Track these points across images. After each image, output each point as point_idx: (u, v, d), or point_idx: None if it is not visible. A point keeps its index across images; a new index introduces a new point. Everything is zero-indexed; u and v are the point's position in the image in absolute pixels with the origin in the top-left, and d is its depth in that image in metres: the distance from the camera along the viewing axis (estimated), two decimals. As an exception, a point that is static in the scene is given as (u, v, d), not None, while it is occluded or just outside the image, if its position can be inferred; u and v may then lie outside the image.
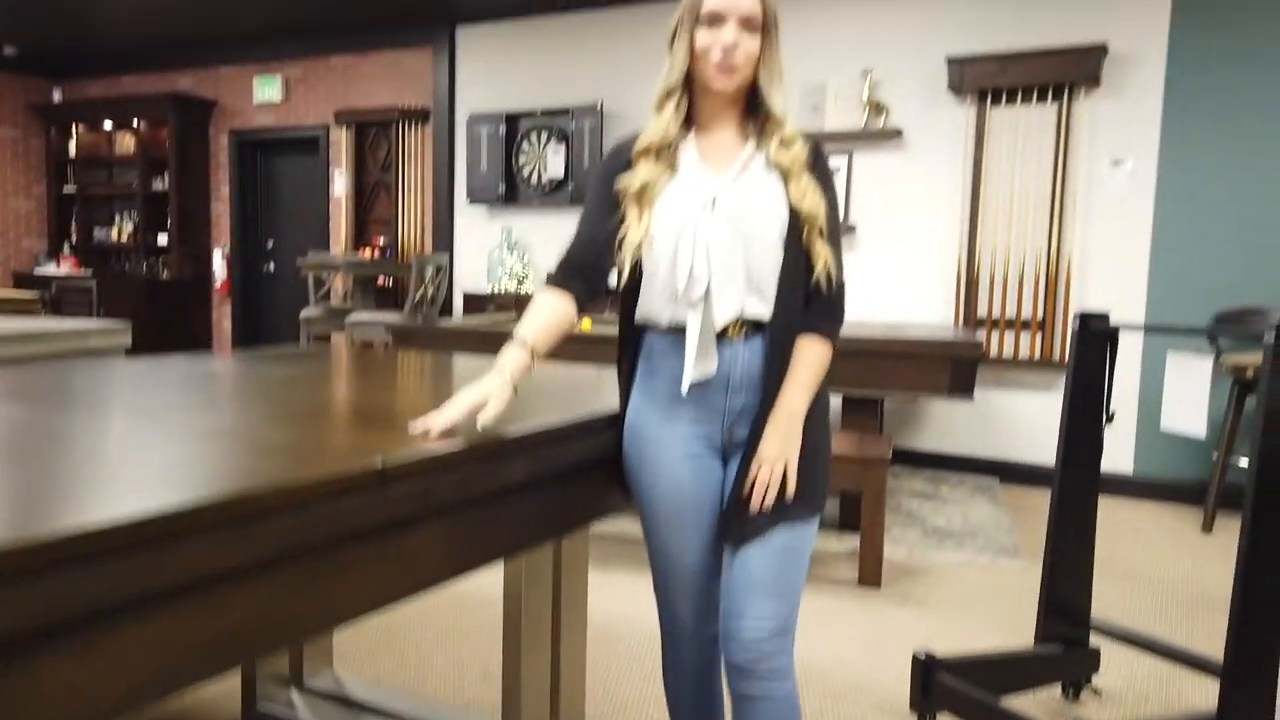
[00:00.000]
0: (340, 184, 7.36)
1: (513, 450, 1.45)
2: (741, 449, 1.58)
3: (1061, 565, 2.42)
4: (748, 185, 1.57)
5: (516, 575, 2.03)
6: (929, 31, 5.16)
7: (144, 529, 0.94)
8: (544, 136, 6.36)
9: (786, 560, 1.56)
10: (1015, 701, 2.23)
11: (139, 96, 8.06)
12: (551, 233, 6.45)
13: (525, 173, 6.46)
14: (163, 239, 8.08)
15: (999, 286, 5.07)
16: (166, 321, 7.79)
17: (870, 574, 3.37)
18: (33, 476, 1.15)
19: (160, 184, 8.03)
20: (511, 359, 1.51)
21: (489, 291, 6.46)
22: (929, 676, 2.19)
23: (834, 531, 3.98)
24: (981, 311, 5.11)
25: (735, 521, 1.57)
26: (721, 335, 1.56)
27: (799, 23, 5.41)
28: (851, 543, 3.78)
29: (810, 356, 1.56)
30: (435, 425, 1.38)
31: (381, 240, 7.20)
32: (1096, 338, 2.31)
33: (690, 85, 1.60)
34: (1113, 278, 4.84)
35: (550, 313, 1.59)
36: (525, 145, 6.44)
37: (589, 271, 1.62)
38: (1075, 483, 2.38)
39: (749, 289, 1.55)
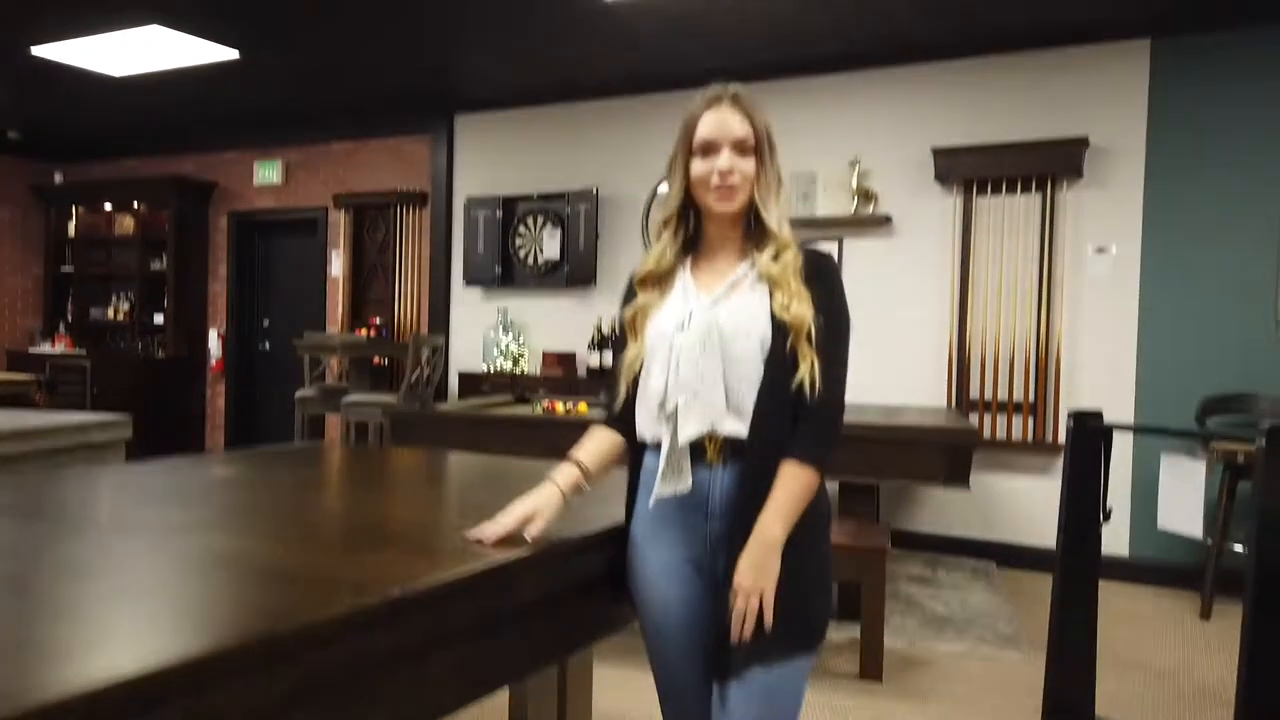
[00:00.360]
0: (337, 265, 7.44)
1: (524, 569, 1.47)
2: (724, 577, 1.53)
3: (1064, 665, 2.42)
4: (732, 303, 1.58)
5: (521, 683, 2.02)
6: (915, 123, 5.32)
7: (166, 679, 0.94)
8: (540, 220, 6.47)
9: (769, 702, 1.50)
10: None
11: (140, 179, 8.19)
12: (548, 313, 6.52)
13: (522, 255, 6.56)
14: (159, 318, 8.13)
15: (990, 369, 5.13)
16: (161, 399, 7.78)
17: (871, 667, 3.35)
18: (37, 616, 1.15)
19: (158, 264, 8.11)
20: (563, 472, 1.61)
21: (484, 371, 6.50)
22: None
23: (832, 620, 3.96)
24: (974, 394, 5.17)
25: (714, 656, 1.53)
26: (702, 457, 1.55)
27: (790, 112, 5.58)
28: (851, 632, 3.75)
29: (789, 481, 1.49)
30: (489, 534, 1.48)
31: (378, 320, 7.25)
32: (1091, 436, 2.35)
33: (694, 210, 1.65)
34: (1101, 361, 4.92)
35: (598, 440, 1.69)
36: (522, 229, 6.55)
37: (623, 411, 1.67)
38: (1075, 582, 2.40)
39: (728, 407, 1.53)
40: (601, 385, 5.79)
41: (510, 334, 6.52)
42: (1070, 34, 4.88)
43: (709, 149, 1.58)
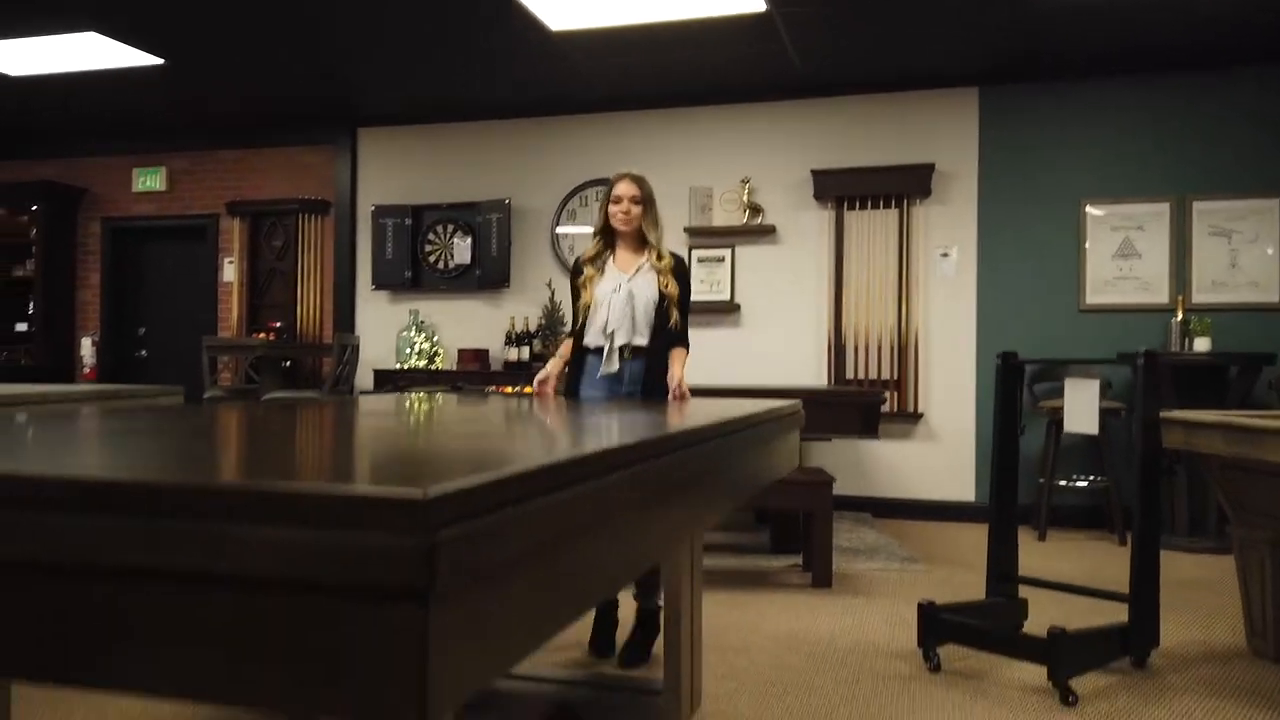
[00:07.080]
0: (230, 271, 7.52)
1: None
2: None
3: (1000, 544, 3.33)
4: (639, 280, 3.17)
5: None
6: (797, 148, 6.32)
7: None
8: (450, 228, 6.95)
9: None
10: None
11: (-1, 182, 7.85)
12: (459, 314, 6.99)
13: (432, 260, 6.99)
14: (20, 326, 7.81)
15: (861, 353, 6.17)
16: (31, 411, 7.48)
17: (823, 577, 4.19)
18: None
19: (20, 271, 7.80)
20: (561, 354, 3.26)
21: (398, 368, 6.86)
22: (932, 618, 2.99)
23: (769, 554, 4.78)
24: (849, 374, 6.19)
25: None
26: (622, 356, 3.12)
27: (692, 138, 6.44)
28: (786, 560, 4.59)
29: (679, 355, 3.13)
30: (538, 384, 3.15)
31: (278, 324, 7.40)
32: (1014, 369, 3.28)
33: (611, 229, 3.22)
34: (950, 343, 6.07)
35: (568, 343, 3.27)
36: (431, 235, 6.99)
37: (579, 330, 3.24)
38: (1006, 471, 3.32)
39: (635, 332, 3.14)
40: (519, 376, 6.43)
41: (423, 334, 6.92)
42: (921, 80, 6.04)
43: (616, 200, 3.17)
